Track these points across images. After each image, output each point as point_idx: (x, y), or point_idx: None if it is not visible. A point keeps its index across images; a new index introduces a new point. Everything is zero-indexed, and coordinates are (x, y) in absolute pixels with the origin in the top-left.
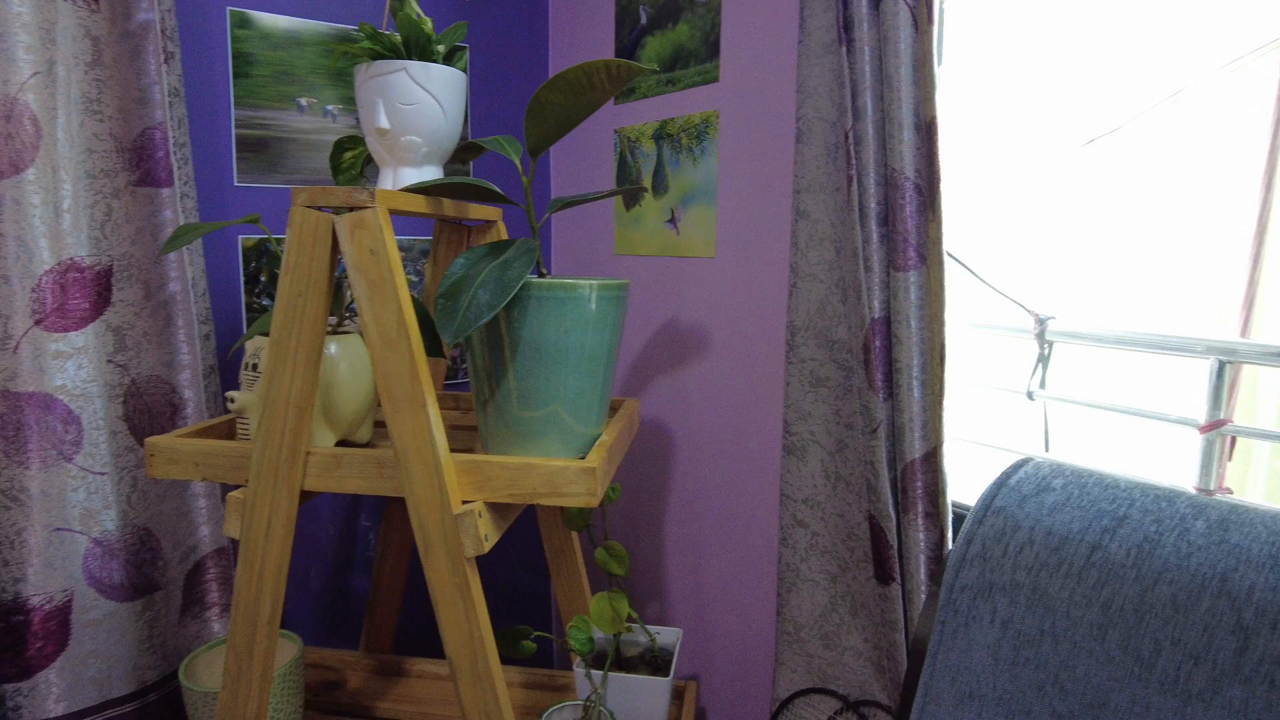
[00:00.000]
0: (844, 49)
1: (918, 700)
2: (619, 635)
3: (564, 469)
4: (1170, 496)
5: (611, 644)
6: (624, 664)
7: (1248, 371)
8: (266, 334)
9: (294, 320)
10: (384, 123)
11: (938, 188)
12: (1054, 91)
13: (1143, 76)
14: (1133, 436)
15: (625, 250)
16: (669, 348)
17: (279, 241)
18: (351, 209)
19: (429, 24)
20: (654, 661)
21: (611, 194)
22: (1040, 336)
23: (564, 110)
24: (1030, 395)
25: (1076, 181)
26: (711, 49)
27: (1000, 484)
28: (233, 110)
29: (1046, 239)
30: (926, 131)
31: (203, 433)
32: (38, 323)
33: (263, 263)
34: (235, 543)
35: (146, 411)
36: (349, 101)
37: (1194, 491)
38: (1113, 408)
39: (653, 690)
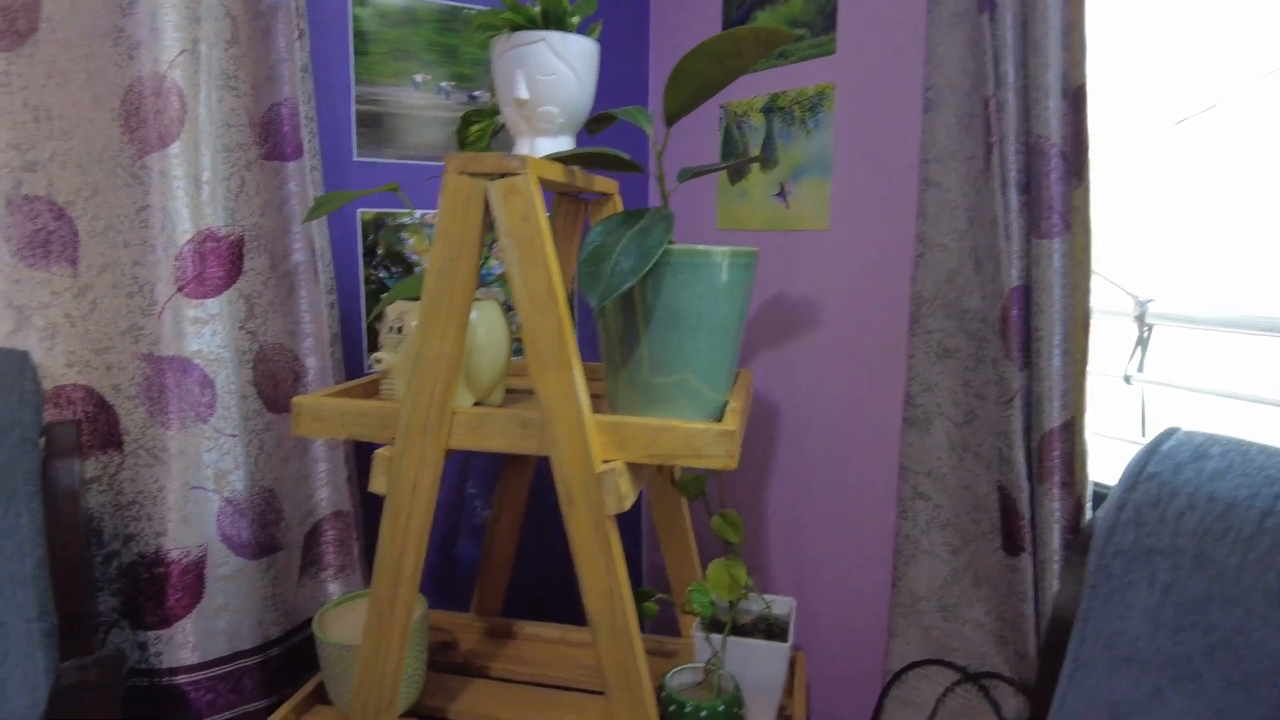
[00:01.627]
0: (986, 16)
1: (1067, 665)
2: (736, 601)
3: (703, 431)
4: None
5: (729, 610)
6: (738, 631)
7: None
8: (408, 298)
9: (445, 284)
10: (523, 93)
11: (1085, 154)
12: (1146, 67)
13: (1238, 52)
14: (1236, 422)
15: (729, 225)
16: (776, 321)
17: (397, 216)
18: (503, 175)
19: None
20: (768, 629)
21: (743, 162)
22: (1140, 319)
23: (706, 79)
24: (1128, 379)
25: (1174, 160)
26: (828, 21)
27: (1151, 451)
28: (353, 87)
29: (1144, 219)
30: (1074, 98)
31: (342, 394)
32: (179, 290)
33: (379, 236)
34: (351, 510)
35: (272, 378)
36: (461, 78)
37: None
38: (1217, 392)
39: (772, 655)
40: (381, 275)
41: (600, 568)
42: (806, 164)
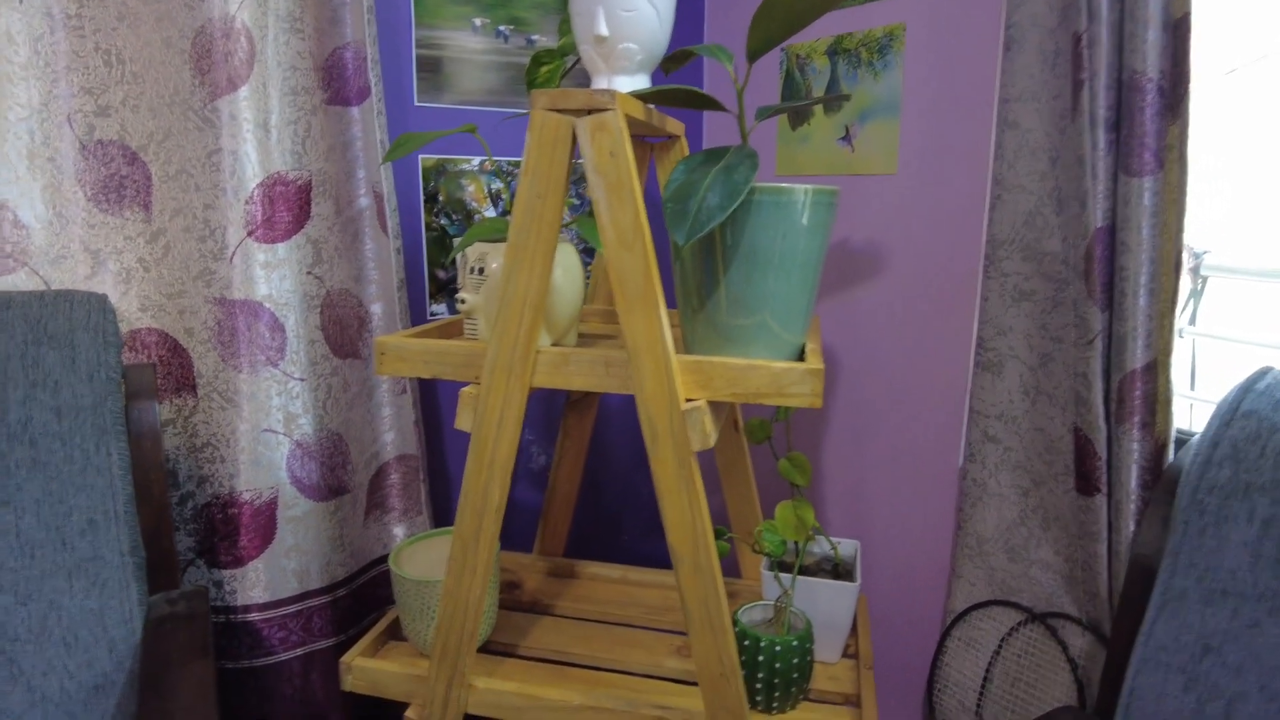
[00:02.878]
0: None
1: (1154, 599)
2: (804, 542)
3: (789, 370)
4: None
5: (798, 550)
6: (803, 571)
7: None
8: (487, 239)
9: (532, 222)
10: (604, 29)
11: (1185, 88)
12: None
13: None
14: None
15: (789, 170)
16: (839, 265)
17: (457, 163)
18: (591, 111)
19: None
20: (834, 570)
21: (820, 101)
22: (1195, 271)
23: (796, 12)
24: (1180, 332)
25: (1225, 110)
26: None
27: (1246, 390)
28: (413, 30)
29: (1197, 171)
30: (1175, 29)
31: (420, 334)
32: (249, 234)
33: (440, 182)
34: (417, 454)
35: (338, 323)
36: (519, 22)
37: None
38: (1271, 344)
39: (841, 594)
40: (442, 222)
41: (684, 503)
42: (874, 107)
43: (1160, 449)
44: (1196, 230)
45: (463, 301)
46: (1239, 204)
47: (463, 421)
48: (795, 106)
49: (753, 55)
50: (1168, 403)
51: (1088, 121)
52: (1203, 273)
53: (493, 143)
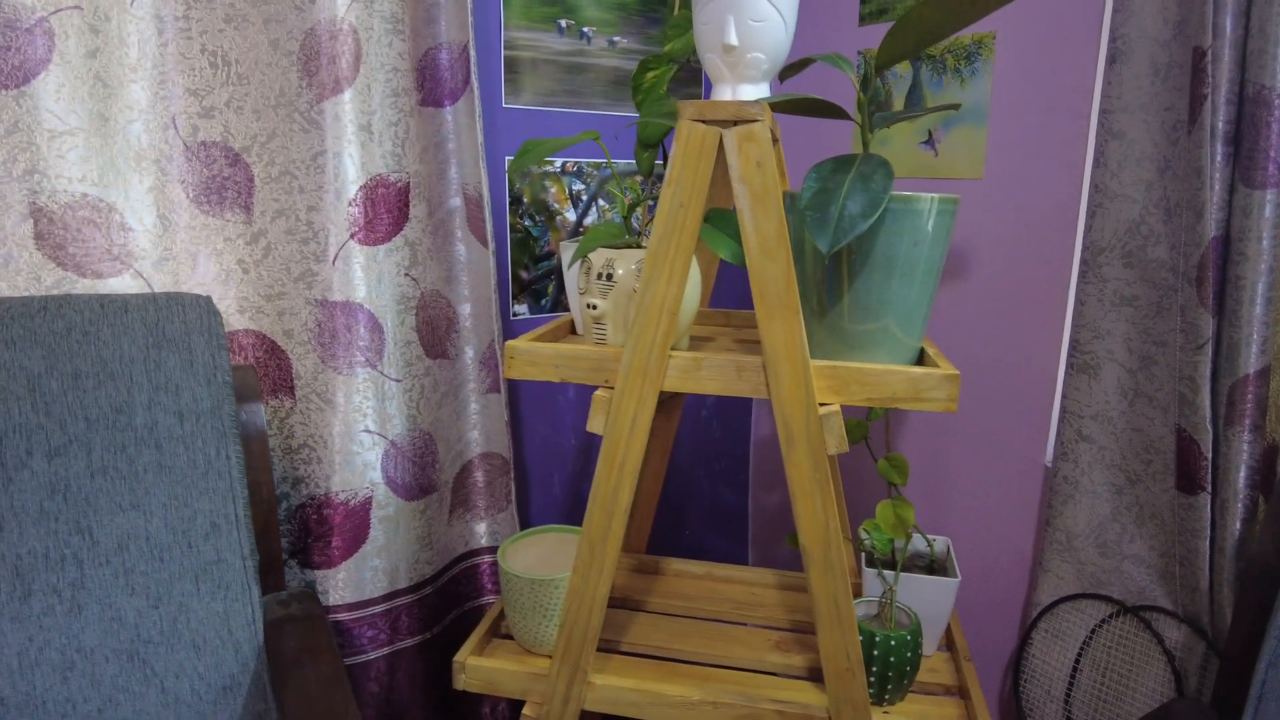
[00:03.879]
0: None
1: None
2: (906, 541)
3: (927, 375)
4: None
5: (901, 549)
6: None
7: None
8: (609, 245)
9: (674, 230)
10: (733, 39)
11: None
12: None
13: None
14: None
15: None
16: None
17: (542, 165)
18: (738, 123)
19: None
20: (929, 566)
21: (941, 109)
22: None
23: (933, 26)
24: None
25: None
26: None
27: None
28: (502, 31)
29: None
30: None
31: (538, 338)
32: (352, 236)
33: (524, 184)
34: (508, 453)
35: (430, 324)
36: (603, 23)
37: None
38: None
39: (942, 590)
40: (526, 224)
41: (817, 505)
42: (960, 112)
43: (1271, 451)
44: None
45: (593, 307)
46: None
47: (595, 425)
48: (913, 115)
49: (881, 67)
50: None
51: (1207, 134)
52: None
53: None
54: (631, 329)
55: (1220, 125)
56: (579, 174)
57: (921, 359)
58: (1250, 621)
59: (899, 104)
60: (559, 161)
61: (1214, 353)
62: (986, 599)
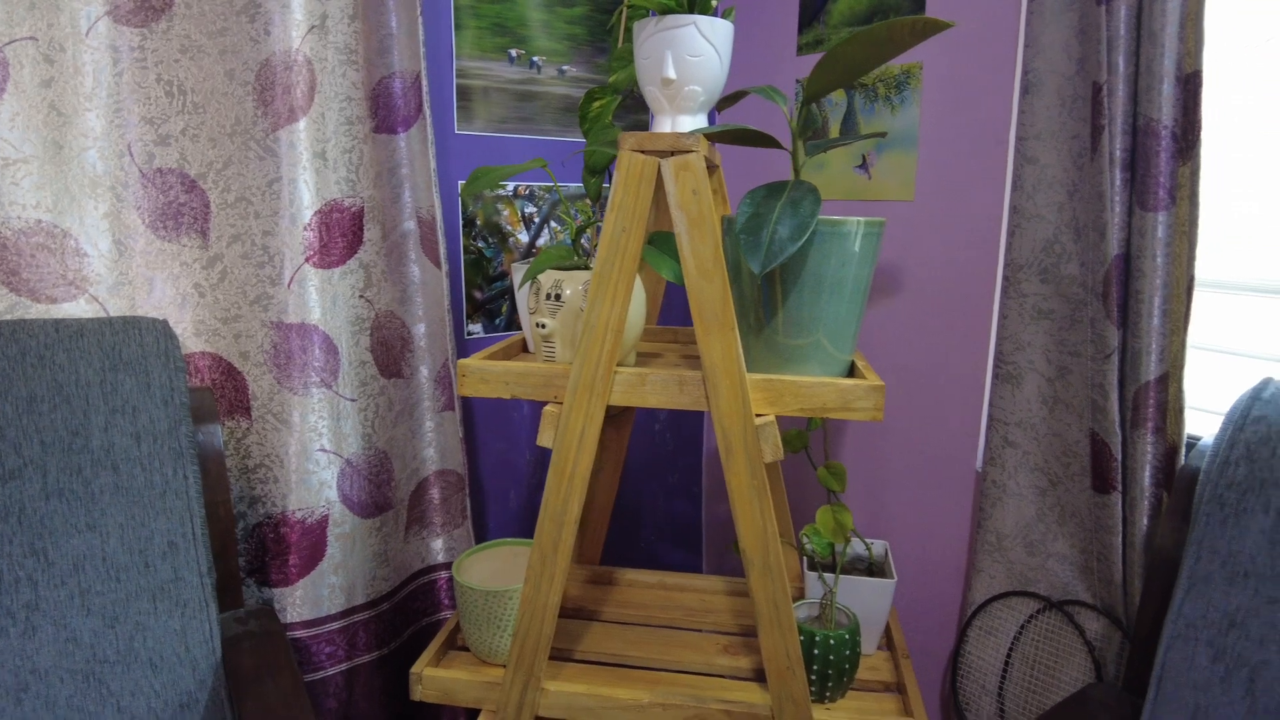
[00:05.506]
0: (1102, 9)
1: (1182, 582)
2: (845, 545)
3: (855, 386)
4: None
5: (840, 553)
6: (841, 570)
7: None
8: (558, 267)
9: (617, 253)
10: (671, 73)
11: (1196, 134)
12: None
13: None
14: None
15: None
16: None
17: (494, 188)
18: (675, 153)
19: None
20: (867, 568)
21: (867, 137)
22: None
23: (858, 63)
24: None
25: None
26: (916, 4)
27: (1254, 397)
28: (454, 61)
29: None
30: (1188, 83)
31: (489, 358)
32: (307, 260)
33: (477, 207)
34: (462, 470)
35: (384, 344)
36: (554, 54)
37: None
38: (1247, 354)
39: (879, 591)
40: (479, 245)
41: (755, 511)
42: (891, 138)
43: (1172, 451)
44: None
45: (542, 326)
46: (1223, 222)
47: (544, 439)
48: (843, 143)
49: (809, 99)
50: (1179, 410)
51: (1107, 161)
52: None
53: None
54: (578, 347)
55: (1118, 153)
56: (531, 197)
57: (852, 371)
58: (1154, 609)
59: (835, 130)
60: (511, 185)
61: (1120, 361)
62: (926, 599)
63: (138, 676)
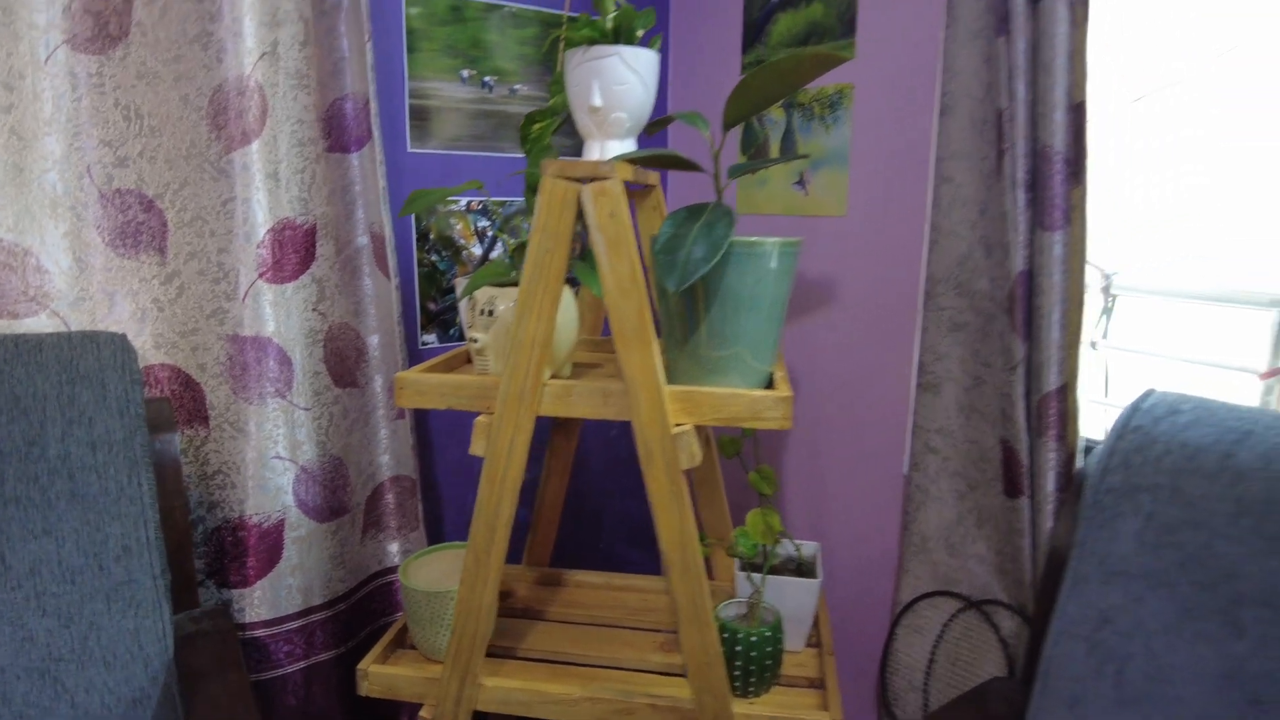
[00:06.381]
0: (1002, 40)
1: (1065, 582)
2: (773, 545)
3: (764, 397)
4: None
5: (768, 553)
6: (772, 571)
7: None
8: (494, 283)
9: (541, 272)
10: (598, 101)
11: (1085, 160)
12: (1114, 46)
13: (1192, 33)
14: (1195, 384)
15: (748, 209)
16: (797, 297)
17: (447, 203)
18: (594, 179)
19: (632, 10)
20: (798, 568)
21: (784, 160)
22: (1105, 290)
23: (768, 93)
24: (1094, 345)
25: (1133, 137)
26: (847, 27)
27: (1134, 409)
28: (406, 82)
29: (1108, 196)
30: (1076, 112)
31: (429, 370)
32: (260, 276)
33: (431, 222)
34: (415, 475)
35: (338, 355)
36: (503, 73)
37: None
38: (1175, 357)
39: (805, 590)
40: (433, 258)
41: (674, 514)
42: (825, 156)
43: (1071, 457)
44: (1106, 253)
45: (475, 340)
46: (1148, 228)
47: (477, 447)
48: (761, 166)
49: (727, 126)
50: (1077, 418)
51: (1009, 183)
52: (1113, 291)
53: (479, 179)
54: (507, 361)
55: (1020, 175)
56: (485, 212)
57: (772, 382)
58: (1047, 607)
59: (775, 148)
60: (464, 200)
61: (1025, 372)
62: (860, 598)
63: (92, 674)
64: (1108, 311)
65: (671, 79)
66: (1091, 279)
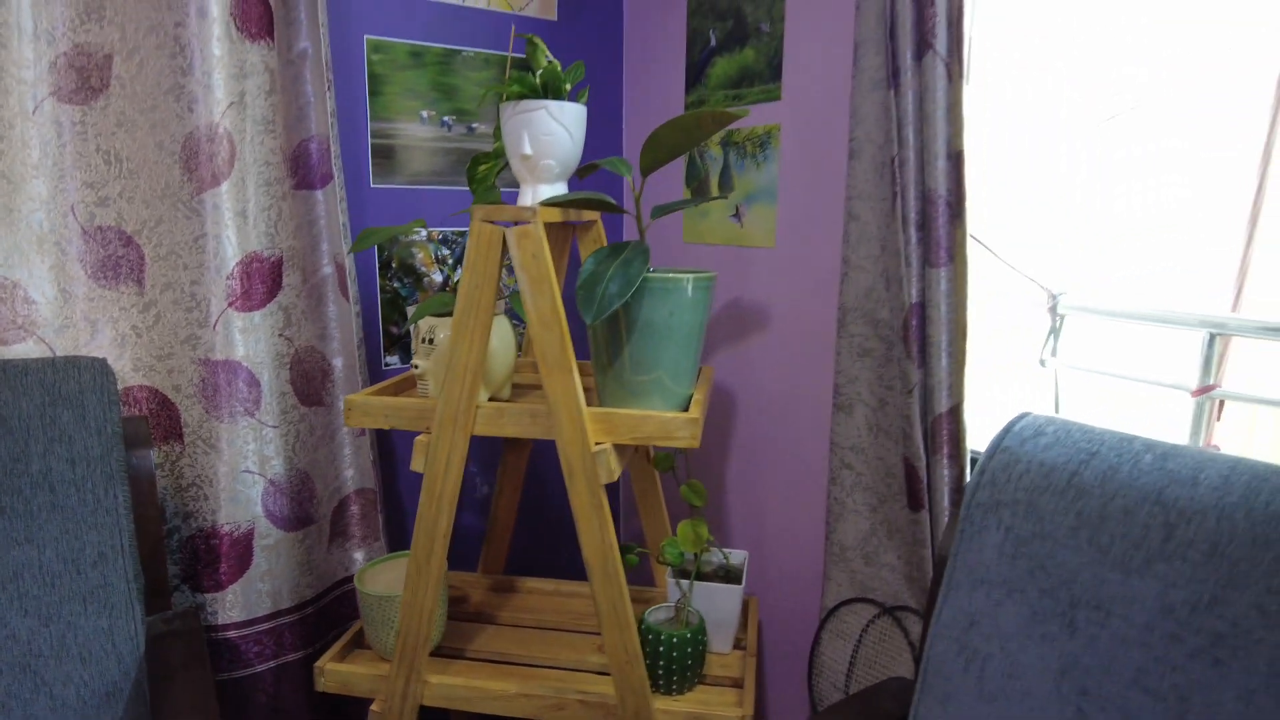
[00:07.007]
0: (892, 92)
1: (943, 590)
2: (700, 554)
3: (674, 419)
4: (1129, 439)
5: (695, 561)
6: (701, 578)
7: (1247, 341)
8: (435, 314)
9: (472, 305)
10: (528, 149)
11: (964, 203)
12: (1067, 77)
13: (1146, 64)
14: (1137, 399)
15: (693, 239)
16: (733, 322)
17: (409, 232)
18: (517, 223)
19: (558, 66)
20: (727, 576)
21: (700, 201)
22: (1052, 310)
23: (675, 144)
24: (1042, 362)
25: (1091, 165)
26: (774, 71)
27: (1006, 431)
28: (369, 123)
29: (1065, 217)
30: (955, 160)
31: (379, 392)
32: (230, 305)
33: (393, 251)
34: (375, 488)
35: (305, 376)
36: (461, 113)
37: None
38: (1114, 374)
39: (729, 595)
40: (396, 285)
41: (595, 526)
42: (757, 191)
43: (962, 473)
44: (1052, 273)
45: (416, 366)
46: (1092, 250)
47: (416, 464)
48: (677, 207)
49: (645, 171)
50: (965, 437)
51: (901, 223)
52: (1060, 311)
53: (440, 212)
54: (443, 385)
55: (911, 215)
56: (445, 241)
57: (690, 403)
58: (932, 612)
59: (715, 182)
60: (424, 230)
61: (921, 395)
62: (791, 604)
63: (69, 669)
64: (1055, 331)
65: (626, 114)
66: (1037, 298)
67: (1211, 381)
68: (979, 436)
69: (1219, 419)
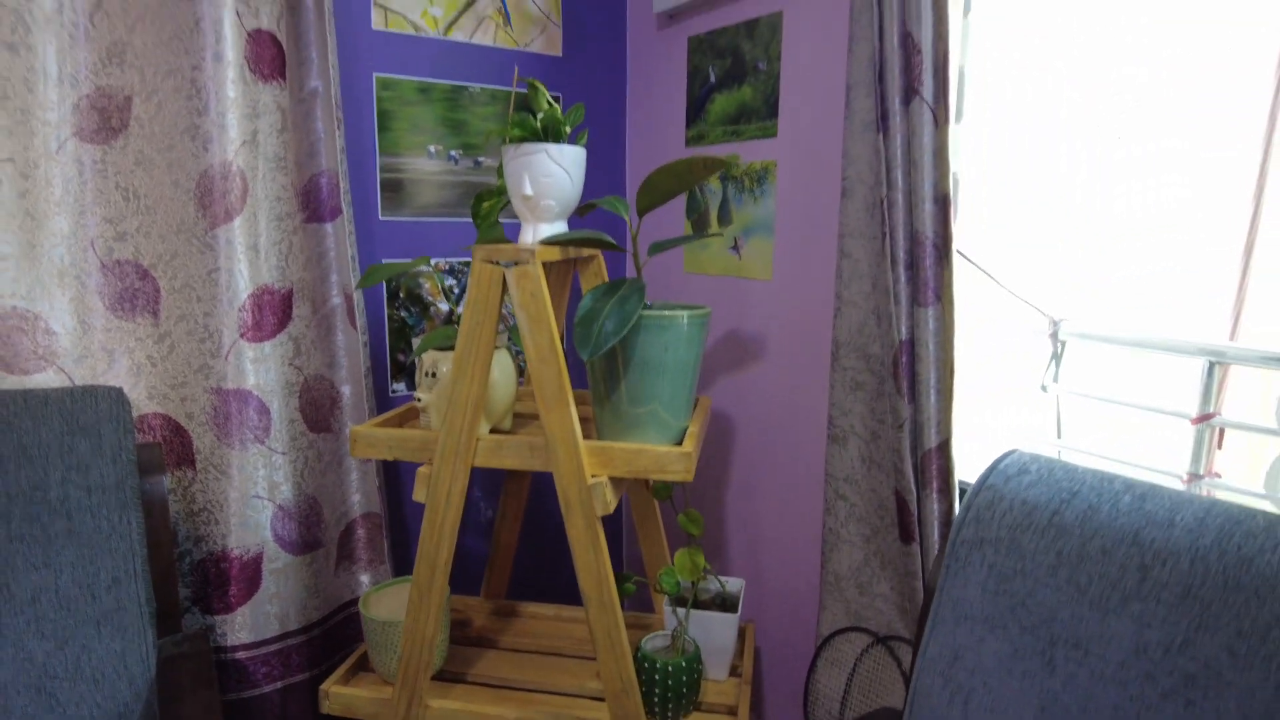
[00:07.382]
0: (880, 135)
1: (929, 624)
2: (697, 582)
3: (669, 453)
4: (1110, 479)
5: (692, 589)
6: (698, 606)
7: (1247, 369)
8: (438, 348)
9: (473, 341)
10: (529, 190)
11: (950, 245)
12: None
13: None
14: (1138, 426)
15: (693, 269)
16: (730, 352)
17: (417, 264)
18: (517, 263)
19: (558, 110)
20: (723, 605)
21: (696, 238)
22: (1054, 336)
23: (667, 188)
24: (1044, 388)
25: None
26: (771, 109)
27: (992, 469)
28: (378, 158)
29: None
30: (942, 203)
31: (383, 423)
32: (242, 335)
33: (401, 281)
34: (380, 513)
35: (314, 404)
36: (468, 147)
37: (1135, 478)
38: (1115, 400)
39: (725, 624)
40: (403, 314)
41: (591, 556)
42: (754, 225)
43: (951, 508)
44: (1061, 297)
45: (419, 399)
46: (1095, 278)
47: (419, 494)
48: (672, 245)
49: (641, 213)
50: (953, 472)
51: (890, 262)
52: (1061, 337)
53: (447, 243)
54: (445, 418)
55: (900, 254)
56: (451, 272)
57: (685, 436)
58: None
59: (715, 215)
60: (433, 261)
61: (911, 430)
62: (787, 631)
63: (83, 690)
64: (1056, 357)
65: (630, 144)
66: (1038, 325)
67: (1211, 410)
68: (980, 461)
69: (1220, 447)
